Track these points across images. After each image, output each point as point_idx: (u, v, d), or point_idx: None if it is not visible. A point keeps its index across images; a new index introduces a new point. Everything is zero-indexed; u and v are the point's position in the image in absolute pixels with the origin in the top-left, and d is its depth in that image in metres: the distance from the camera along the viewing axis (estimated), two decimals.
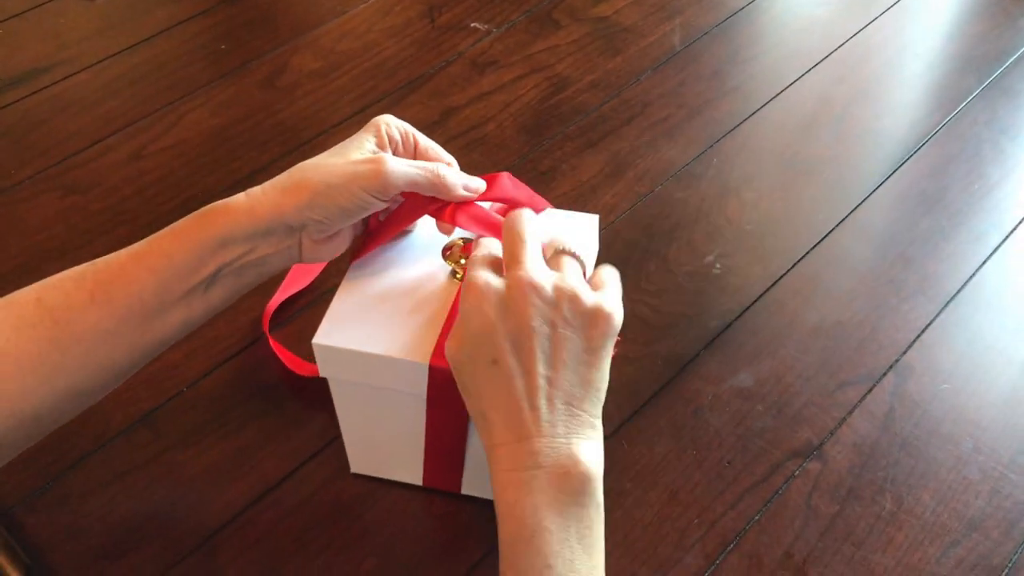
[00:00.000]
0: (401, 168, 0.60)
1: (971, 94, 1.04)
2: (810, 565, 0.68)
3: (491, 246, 0.60)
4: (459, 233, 0.67)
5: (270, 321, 0.82)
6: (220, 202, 0.59)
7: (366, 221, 0.66)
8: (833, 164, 0.97)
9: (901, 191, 0.94)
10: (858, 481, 0.72)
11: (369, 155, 0.60)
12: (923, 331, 0.82)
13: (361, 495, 0.72)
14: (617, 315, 0.56)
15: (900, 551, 0.68)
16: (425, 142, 0.65)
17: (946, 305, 0.84)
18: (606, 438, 0.74)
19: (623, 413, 0.76)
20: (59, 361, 0.55)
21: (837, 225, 0.91)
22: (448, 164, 0.64)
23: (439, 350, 0.60)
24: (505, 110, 1.03)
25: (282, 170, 0.60)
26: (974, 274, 0.86)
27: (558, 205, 0.92)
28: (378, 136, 0.62)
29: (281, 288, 0.83)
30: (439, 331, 0.61)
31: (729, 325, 0.82)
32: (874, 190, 0.94)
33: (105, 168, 0.98)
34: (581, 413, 0.55)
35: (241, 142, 1.00)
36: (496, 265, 0.58)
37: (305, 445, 0.75)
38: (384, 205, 0.61)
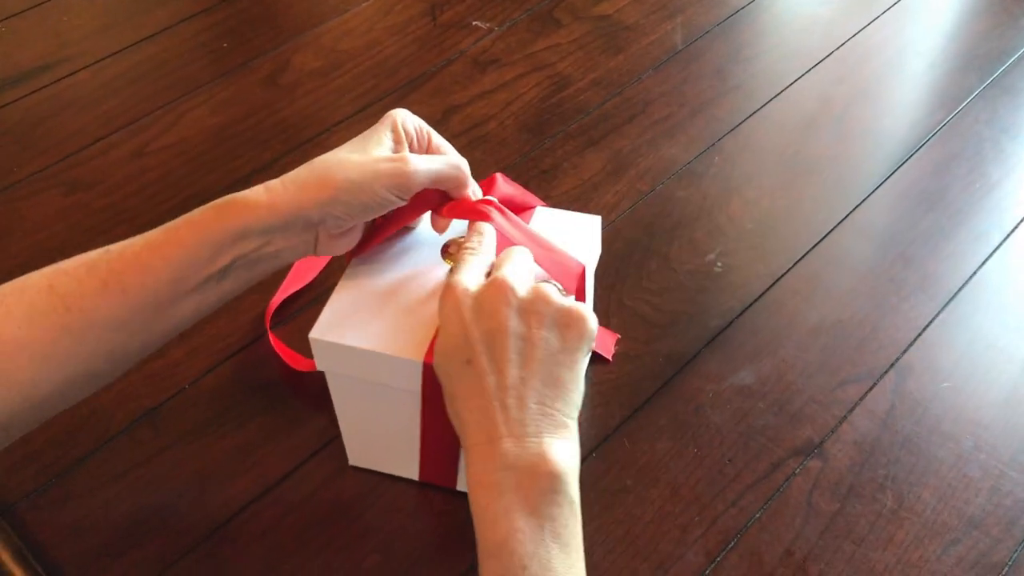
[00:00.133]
0: (424, 167, 0.60)
1: (972, 93, 1.04)
2: (811, 562, 0.68)
3: (471, 261, 0.60)
4: (457, 232, 0.67)
5: (272, 319, 0.82)
6: (239, 194, 0.58)
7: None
8: (834, 163, 0.97)
9: (902, 190, 0.94)
10: (859, 479, 0.72)
11: (389, 152, 0.61)
12: (924, 330, 0.82)
13: (362, 493, 0.72)
14: (592, 319, 0.57)
15: (900, 549, 0.68)
16: (437, 139, 0.65)
17: (947, 304, 0.84)
18: (608, 436, 0.75)
19: (624, 411, 0.76)
20: (71, 349, 0.55)
21: (838, 224, 0.91)
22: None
23: (433, 348, 0.60)
24: (507, 108, 1.03)
25: (284, 169, 0.60)
26: (975, 273, 0.86)
27: (559, 203, 0.92)
28: (395, 131, 0.62)
29: (283, 286, 0.83)
30: (435, 329, 0.62)
31: (730, 323, 0.82)
32: (875, 189, 0.94)
33: (107, 166, 0.98)
34: (554, 413, 0.54)
35: (242, 140, 1.00)
36: (477, 274, 0.59)
37: (306, 443, 0.75)
38: (404, 203, 0.61)
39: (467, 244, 0.62)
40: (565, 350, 0.55)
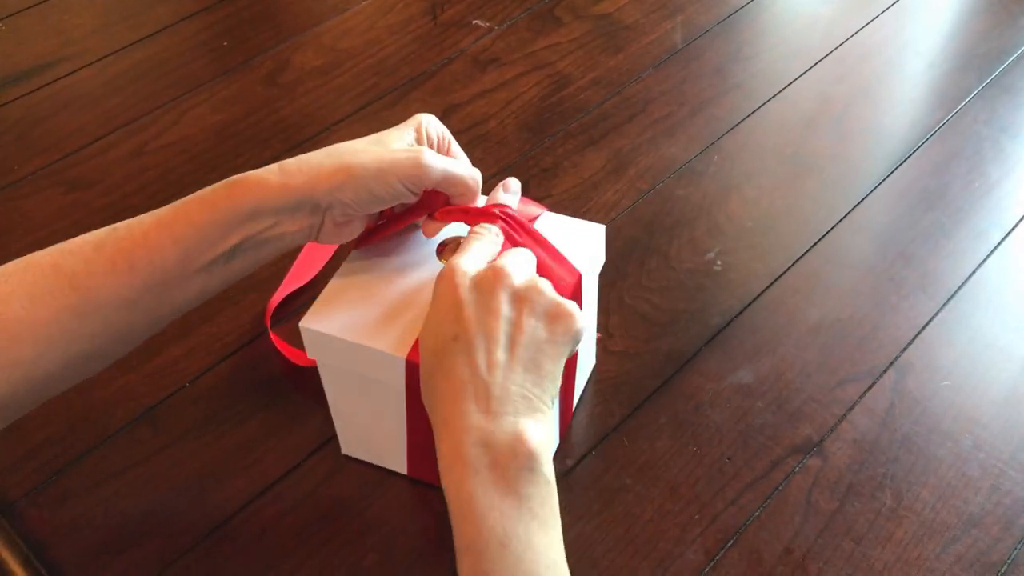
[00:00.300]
0: (439, 163, 0.60)
1: (972, 92, 1.04)
2: (810, 561, 0.68)
3: (475, 247, 0.60)
4: (452, 232, 0.67)
5: (271, 317, 0.82)
6: (251, 173, 0.58)
7: (380, 211, 0.66)
8: (834, 162, 0.97)
9: (902, 189, 0.94)
10: (858, 477, 0.72)
11: (407, 147, 0.61)
12: (923, 328, 0.82)
13: (361, 491, 0.72)
14: (580, 319, 0.57)
15: (900, 547, 0.68)
16: (456, 148, 0.65)
17: (946, 302, 0.84)
18: (607, 435, 0.75)
19: (624, 409, 0.76)
20: (76, 328, 0.55)
21: (838, 223, 0.91)
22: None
23: (418, 346, 0.61)
24: (507, 107, 1.03)
25: None
26: (975, 272, 0.86)
27: (559, 202, 0.92)
28: (417, 132, 0.63)
29: (283, 284, 0.83)
30: (421, 327, 0.62)
31: (730, 322, 0.83)
32: (875, 188, 0.94)
33: (108, 164, 0.98)
34: (532, 397, 0.55)
35: (243, 139, 1.01)
36: (477, 260, 0.59)
37: (306, 441, 0.75)
38: (414, 198, 0.62)
39: (474, 230, 0.62)
40: (551, 341, 0.56)
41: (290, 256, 0.84)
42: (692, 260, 0.87)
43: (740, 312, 0.83)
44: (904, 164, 0.97)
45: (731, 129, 1.00)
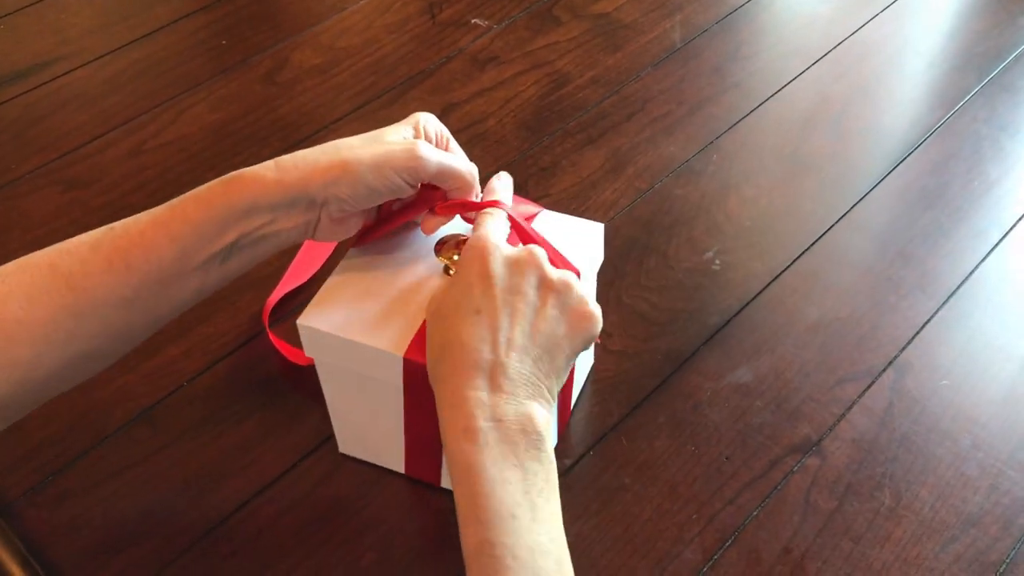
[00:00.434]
0: (435, 156, 0.60)
1: (971, 91, 1.04)
2: (808, 560, 0.68)
3: (492, 225, 0.61)
4: (451, 230, 0.67)
5: (269, 317, 0.82)
6: (247, 169, 0.58)
7: (379, 208, 0.66)
8: (833, 161, 0.97)
9: (901, 188, 0.94)
10: (856, 477, 0.72)
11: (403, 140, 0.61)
12: (922, 327, 0.82)
13: (360, 490, 0.72)
14: (600, 323, 0.59)
15: (898, 547, 0.68)
16: (455, 146, 0.65)
17: (945, 302, 0.84)
18: (606, 434, 0.75)
19: (622, 409, 0.76)
20: (73, 328, 0.55)
21: (837, 222, 0.91)
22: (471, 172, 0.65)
23: (415, 343, 0.61)
24: (505, 106, 1.03)
25: None
26: (973, 271, 0.86)
27: (558, 201, 0.92)
28: (416, 130, 0.63)
29: (281, 284, 0.83)
30: (419, 325, 0.62)
31: (728, 321, 0.82)
32: (874, 187, 0.94)
33: (106, 163, 0.98)
34: (541, 386, 0.56)
35: (241, 138, 1.00)
36: (501, 236, 0.60)
37: (304, 440, 0.75)
38: (411, 192, 0.61)
39: (485, 211, 0.62)
40: (569, 337, 0.57)
41: (287, 255, 0.84)
42: (691, 259, 0.87)
43: (739, 311, 0.83)
44: (903, 163, 0.96)
45: (730, 128, 1.00)
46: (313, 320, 0.63)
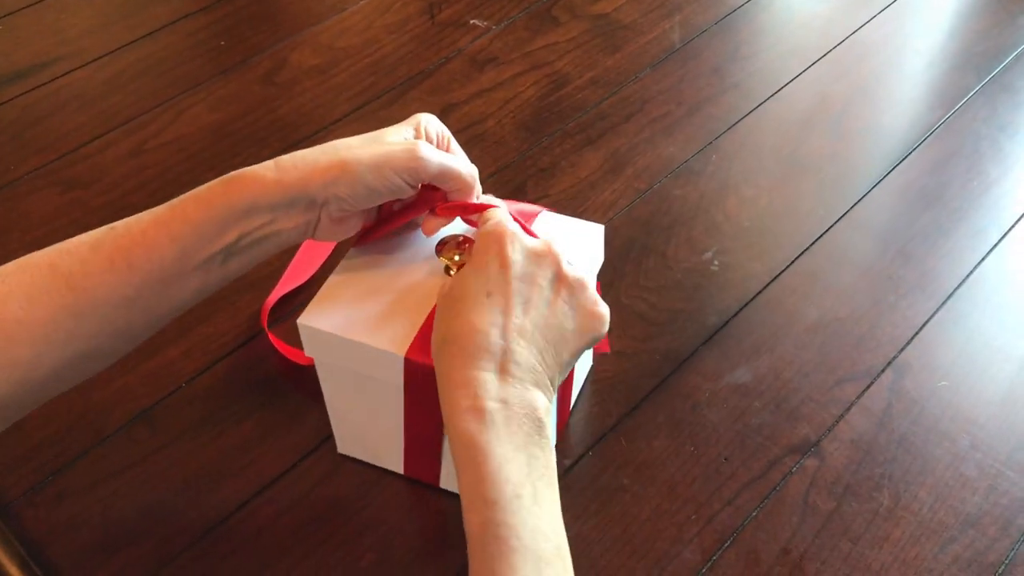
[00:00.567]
0: (436, 156, 0.60)
1: (970, 91, 1.04)
2: (807, 561, 0.68)
3: (504, 216, 0.62)
4: (452, 231, 0.67)
5: (268, 317, 0.82)
6: (247, 169, 0.58)
7: (379, 208, 0.66)
8: (832, 161, 0.97)
9: (900, 188, 0.94)
10: (855, 478, 0.72)
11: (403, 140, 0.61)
12: (921, 328, 0.82)
13: (359, 490, 0.72)
14: (607, 323, 0.60)
15: (897, 547, 0.68)
16: (456, 147, 0.65)
17: (945, 302, 0.84)
18: (604, 434, 0.75)
19: (621, 409, 0.76)
20: (73, 328, 0.55)
21: (836, 221, 0.91)
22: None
23: (417, 343, 0.61)
24: (505, 107, 1.03)
25: None
26: (973, 271, 0.86)
27: (557, 202, 0.92)
28: (416, 131, 0.63)
29: (279, 284, 0.83)
30: (420, 325, 0.62)
31: (727, 321, 0.82)
32: (873, 187, 0.94)
33: (105, 163, 0.98)
34: (545, 376, 0.56)
35: (240, 138, 1.00)
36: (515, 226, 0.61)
37: (303, 441, 0.75)
38: (411, 192, 0.62)
39: (491, 204, 0.63)
40: (576, 333, 0.58)
41: (286, 256, 0.84)
42: (690, 260, 0.87)
43: (738, 311, 0.83)
44: (903, 163, 0.96)
45: (729, 128, 1.00)
46: (313, 320, 0.63)
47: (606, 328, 0.60)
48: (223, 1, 1.19)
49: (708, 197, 0.93)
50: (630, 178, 0.95)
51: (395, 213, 0.66)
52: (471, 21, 1.15)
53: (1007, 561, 0.68)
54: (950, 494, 0.71)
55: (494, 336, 0.55)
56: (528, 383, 0.55)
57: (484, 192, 0.66)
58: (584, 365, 0.77)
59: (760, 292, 0.85)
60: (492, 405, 0.53)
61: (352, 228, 0.64)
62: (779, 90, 1.05)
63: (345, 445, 0.73)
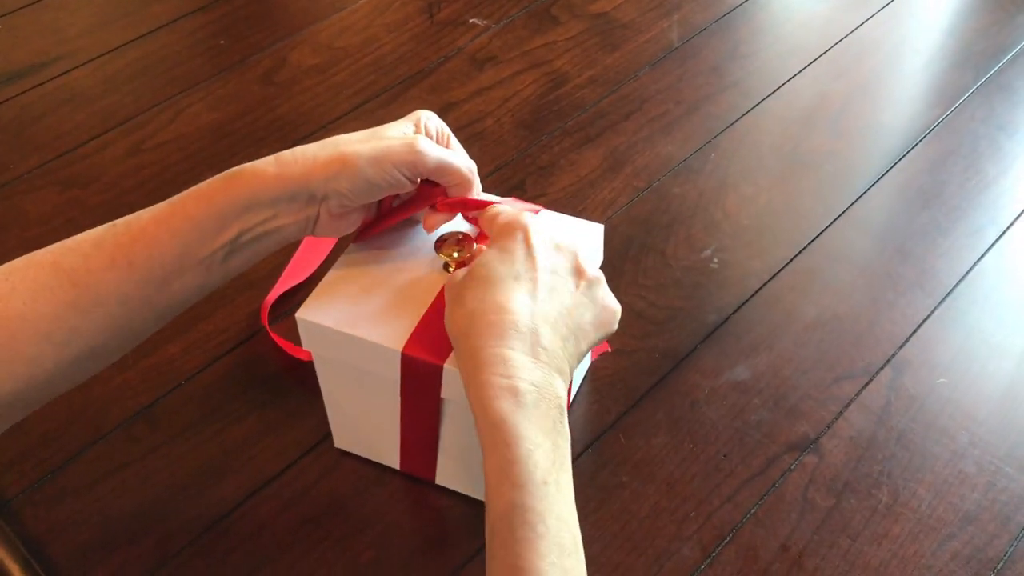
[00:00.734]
0: (435, 151, 0.61)
1: (969, 90, 1.04)
2: (806, 558, 0.68)
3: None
4: (452, 228, 0.67)
5: (268, 315, 0.82)
6: (247, 165, 0.58)
7: (379, 204, 0.66)
8: (831, 159, 0.97)
9: (899, 186, 0.94)
10: (854, 474, 0.72)
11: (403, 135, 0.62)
12: (920, 325, 0.82)
13: (358, 487, 0.72)
14: (618, 319, 0.62)
15: (896, 544, 0.68)
16: (455, 144, 0.65)
17: (943, 299, 0.84)
18: (603, 432, 0.75)
19: (620, 407, 0.76)
20: (77, 325, 0.55)
21: (835, 220, 0.91)
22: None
23: (415, 339, 0.61)
24: (504, 105, 1.03)
25: None
26: (971, 269, 0.86)
27: (556, 200, 0.92)
28: (416, 126, 0.63)
29: (279, 282, 0.83)
30: (418, 320, 0.62)
31: (726, 319, 0.83)
32: (872, 185, 0.94)
33: (104, 162, 0.98)
34: (566, 365, 0.57)
35: (239, 137, 1.00)
36: None
37: (303, 438, 0.75)
38: (411, 187, 0.62)
39: (493, 202, 0.64)
40: (593, 325, 0.59)
41: (286, 254, 0.84)
42: (689, 258, 0.87)
43: (737, 309, 0.83)
44: (901, 161, 0.97)
45: (728, 127, 1.00)
46: (312, 314, 0.63)
47: (617, 324, 0.61)
48: (222, 0, 1.19)
49: (707, 195, 0.93)
50: (629, 176, 0.95)
51: (395, 209, 0.66)
52: (470, 20, 1.15)
53: (1006, 557, 0.68)
54: (949, 491, 0.71)
55: (524, 317, 0.55)
56: (553, 369, 0.55)
57: (484, 190, 0.66)
58: (583, 363, 0.77)
59: (759, 290, 0.85)
60: (526, 386, 0.53)
61: (352, 224, 0.64)
62: (778, 88, 1.05)
63: (342, 440, 0.73)
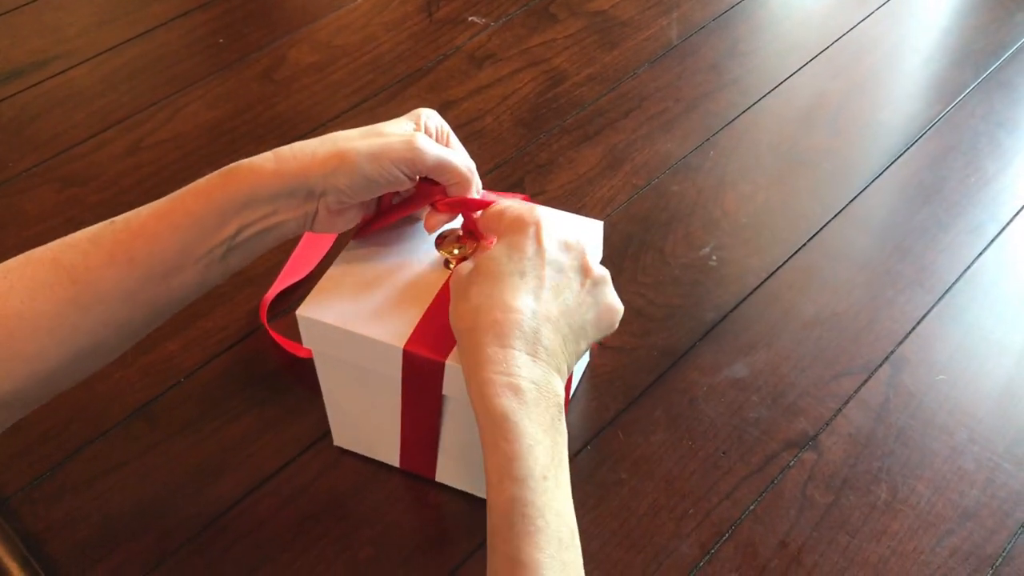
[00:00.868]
0: (433, 148, 0.61)
1: (968, 88, 1.04)
2: (805, 554, 0.68)
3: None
4: (452, 225, 0.67)
5: (267, 312, 0.82)
6: (245, 161, 0.58)
7: (378, 202, 0.66)
8: (830, 156, 0.97)
9: (898, 183, 0.94)
10: (853, 471, 0.72)
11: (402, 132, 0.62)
12: (919, 322, 0.82)
13: (357, 485, 0.72)
14: (619, 322, 0.62)
15: (895, 541, 0.68)
16: (455, 142, 0.66)
17: (943, 296, 0.84)
18: (602, 429, 0.75)
19: (619, 404, 0.76)
20: (77, 322, 0.55)
21: (834, 217, 0.91)
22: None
23: (416, 336, 0.61)
24: (503, 103, 1.03)
25: None
26: (971, 265, 0.86)
27: (555, 198, 0.92)
28: (416, 123, 0.63)
29: (278, 279, 0.83)
30: (419, 317, 0.62)
31: (725, 316, 0.83)
32: (871, 182, 0.94)
33: (103, 161, 0.98)
34: (564, 363, 0.57)
35: (238, 135, 1.00)
36: None
37: (301, 435, 0.75)
38: (409, 184, 0.62)
39: (494, 201, 0.64)
40: (594, 325, 0.60)
41: (285, 252, 0.84)
42: (687, 255, 0.87)
43: (735, 307, 0.83)
44: (900, 159, 0.97)
45: (727, 125, 1.00)
46: (313, 311, 0.63)
47: (618, 323, 0.61)
48: None
49: (706, 193, 0.93)
50: (628, 174, 0.95)
51: (395, 206, 0.66)
52: (469, 18, 1.15)
53: (1004, 553, 0.68)
54: (948, 487, 0.71)
55: (527, 315, 0.56)
56: (552, 368, 0.56)
57: (483, 188, 0.66)
58: (582, 360, 0.77)
59: (758, 287, 0.85)
60: (526, 384, 0.54)
61: (350, 221, 0.64)
62: (777, 86, 1.05)
63: (341, 438, 0.73)
